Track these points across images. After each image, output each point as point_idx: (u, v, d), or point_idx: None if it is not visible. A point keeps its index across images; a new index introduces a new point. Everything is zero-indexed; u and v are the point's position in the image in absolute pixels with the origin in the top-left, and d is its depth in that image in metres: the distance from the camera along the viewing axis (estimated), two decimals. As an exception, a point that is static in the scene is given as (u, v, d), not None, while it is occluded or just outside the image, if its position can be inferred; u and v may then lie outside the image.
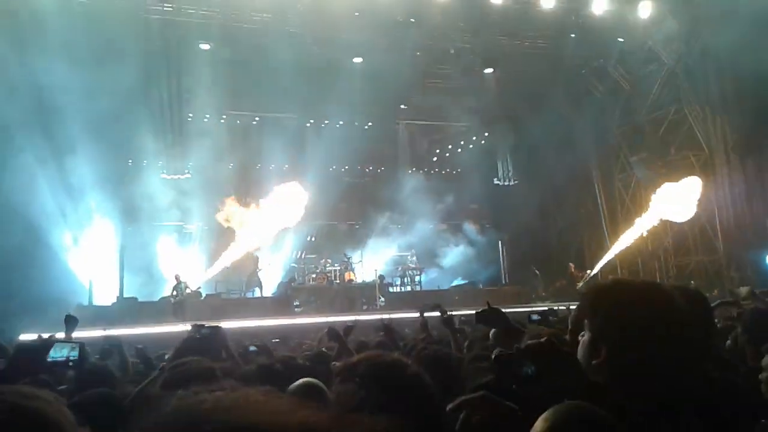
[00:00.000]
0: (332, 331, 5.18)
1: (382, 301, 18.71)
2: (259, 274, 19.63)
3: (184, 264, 18.23)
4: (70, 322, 5.06)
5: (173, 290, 16.36)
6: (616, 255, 20.31)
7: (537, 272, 21.89)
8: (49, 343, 2.94)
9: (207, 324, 4.73)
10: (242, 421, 0.71)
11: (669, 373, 1.57)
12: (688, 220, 18.86)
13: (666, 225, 19.45)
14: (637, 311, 1.63)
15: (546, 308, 9.26)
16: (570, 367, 1.65)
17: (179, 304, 16.10)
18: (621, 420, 1.42)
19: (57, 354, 2.97)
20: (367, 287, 19.47)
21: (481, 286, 21.17)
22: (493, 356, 1.73)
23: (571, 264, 20.56)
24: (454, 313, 5.59)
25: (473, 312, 3.84)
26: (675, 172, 19.25)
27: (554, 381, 1.54)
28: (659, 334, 1.60)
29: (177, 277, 16.54)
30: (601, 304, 1.72)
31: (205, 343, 4.31)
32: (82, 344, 3.08)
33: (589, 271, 20.35)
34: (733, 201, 18.52)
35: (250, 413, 0.73)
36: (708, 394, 1.71)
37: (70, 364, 3.01)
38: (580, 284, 19.18)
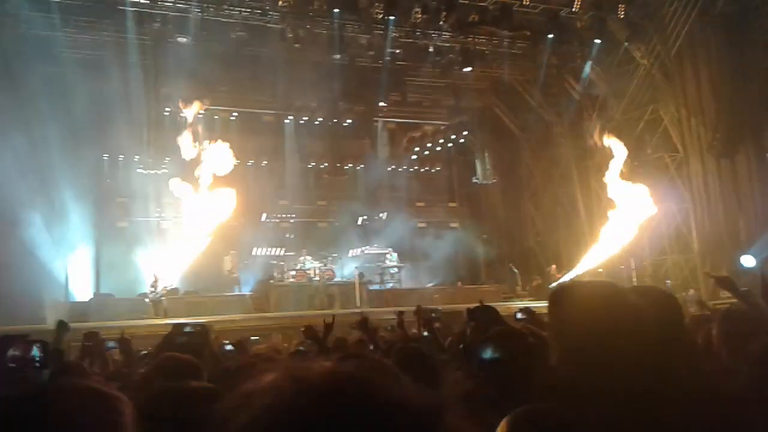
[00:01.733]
0: (310, 329, 5.18)
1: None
2: (238, 271, 19.54)
3: (162, 260, 18.06)
4: (61, 328, 4.93)
5: (151, 287, 16.22)
6: (593, 255, 20.53)
7: (515, 270, 22.06)
8: (5, 340, 2.82)
9: (190, 322, 4.72)
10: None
11: (623, 369, 1.56)
12: (664, 221, 19.13)
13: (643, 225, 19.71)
14: (587, 310, 1.64)
15: (524, 306, 9.36)
16: (533, 353, 1.67)
17: (157, 300, 15.98)
18: (582, 415, 1.42)
19: (17, 353, 2.89)
20: (346, 285, 19.47)
21: (459, 284, 21.27)
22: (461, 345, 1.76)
23: (553, 266, 20.70)
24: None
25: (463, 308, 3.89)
26: (650, 173, 19.51)
27: (516, 366, 1.56)
28: (610, 331, 1.58)
29: (155, 274, 16.41)
30: (556, 304, 1.75)
31: (187, 343, 4.30)
32: (44, 342, 2.99)
33: (563, 272, 20.49)
34: (708, 202, 18.82)
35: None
36: (674, 389, 1.73)
37: (37, 364, 2.92)
38: (553, 284, 19.34)
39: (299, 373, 0.76)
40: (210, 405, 1.76)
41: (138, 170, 20.25)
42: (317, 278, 19.51)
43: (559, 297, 1.77)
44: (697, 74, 18.72)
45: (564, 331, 1.68)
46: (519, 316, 6.05)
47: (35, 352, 2.95)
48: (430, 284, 21.12)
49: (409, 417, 0.73)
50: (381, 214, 23.29)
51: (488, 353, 1.71)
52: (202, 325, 4.82)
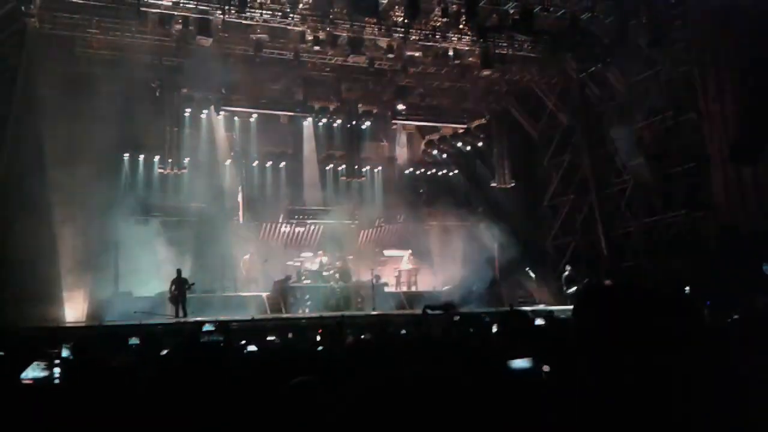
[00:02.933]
0: (326, 330, 5.23)
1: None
2: (255, 271, 19.65)
3: (180, 259, 18.19)
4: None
5: (172, 284, 16.31)
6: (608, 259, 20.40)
7: (532, 275, 21.97)
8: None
9: (209, 320, 4.79)
10: None
11: None
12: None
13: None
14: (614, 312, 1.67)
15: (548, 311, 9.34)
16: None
17: (177, 298, 16.07)
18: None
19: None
20: (362, 287, 19.50)
21: (474, 288, 21.19)
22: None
23: (569, 268, 20.53)
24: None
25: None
26: (671, 179, 19.35)
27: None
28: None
29: (178, 272, 16.49)
30: (585, 306, 1.76)
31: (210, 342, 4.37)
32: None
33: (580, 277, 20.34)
34: (730, 209, 18.59)
35: None
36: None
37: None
38: (570, 290, 19.20)
39: None
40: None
41: (159, 170, 20.43)
42: (333, 280, 19.56)
43: (589, 300, 1.78)
44: (720, 81, 18.49)
45: (594, 331, 1.70)
46: (538, 321, 6.02)
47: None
48: (445, 287, 21.07)
49: None
50: (398, 217, 23.30)
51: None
52: (222, 323, 4.86)
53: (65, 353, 4.85)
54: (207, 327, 4.78)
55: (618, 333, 1.65)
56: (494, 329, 4.74)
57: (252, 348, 5.30)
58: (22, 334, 9.86)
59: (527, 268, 22.26)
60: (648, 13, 18.76)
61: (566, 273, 19.86)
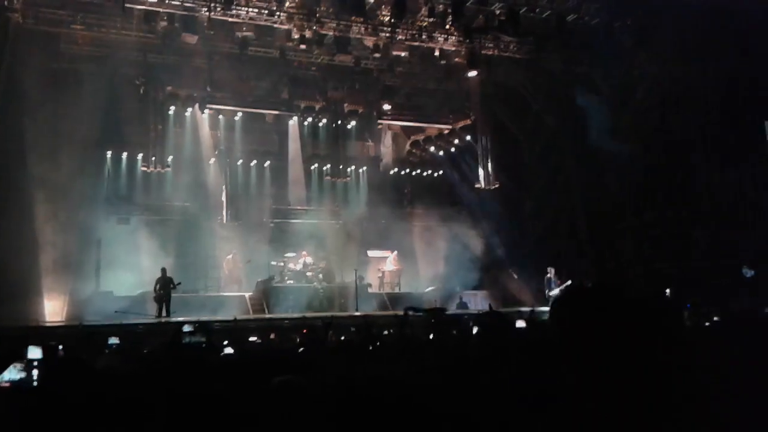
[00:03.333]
0: (311, 330, 5.21)
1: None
2: (238, 271, 19.55)
3: (162, 258, 18.03)
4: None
5: (157, 284, 16.14)
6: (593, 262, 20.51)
7: (515, 276, 22.04)
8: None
9: (191, 321, 4.74)
10: None
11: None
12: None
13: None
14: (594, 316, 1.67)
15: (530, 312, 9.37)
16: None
17: (161, 298, 15.91)
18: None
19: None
20: (345, 287, 19.45)
21: (458, 288, 21.22)
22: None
23: (551, 270, 20.56)
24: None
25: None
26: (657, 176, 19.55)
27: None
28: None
29: (163, 270, 16.33)
30: (564, 308, 1.75)
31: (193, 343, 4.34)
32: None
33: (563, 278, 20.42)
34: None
35: None
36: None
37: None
38: (553, 292, 19.26)
39: None
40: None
41: (142, 168, 20.26)
42: (316, 280, 19.51)
43: (567, 302, 1.77)
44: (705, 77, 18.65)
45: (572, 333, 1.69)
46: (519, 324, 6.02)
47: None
48: (429, 288, 21.08)
49: None
50: (381, 217, 23.27)
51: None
52: (204, 323, 4.83)
53: (33, 354, 4.77)
54: (187, 327, 4.73)
55: (593, 335, 1.65)
56: (474, 330, 4.73)
57: (229, 351, 5.24)
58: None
59: (510, 269, 22.33)
60: (633, 14, 18.91)
61: (548, 275, 19.92)
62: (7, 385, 3.54)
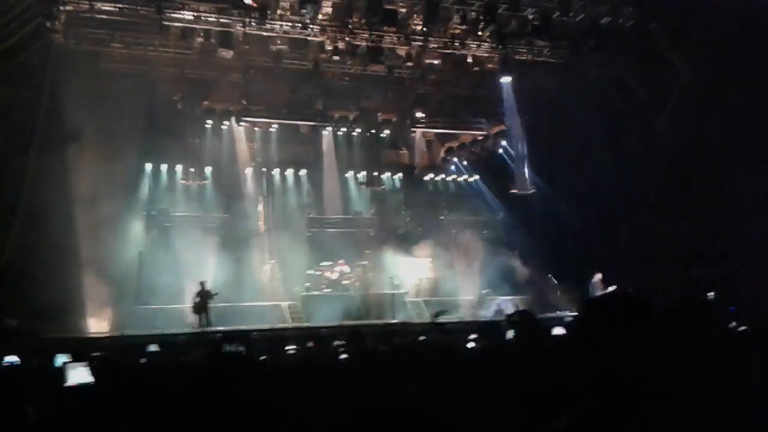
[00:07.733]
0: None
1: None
2: (277, 280, 19.74)
3: (201, 269, 18.31)
4: None
5: (196, 296, 16.41)
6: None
7: (555, 281, 21.81)
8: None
9: (230, 330, 4.84)
10: None
11: None
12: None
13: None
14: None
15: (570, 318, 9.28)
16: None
17: (201, 308, 16.17)
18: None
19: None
20: (382, 296, 19.47)
21: (488, 292, 21.05)
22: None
23: (598, 275, 20.24)
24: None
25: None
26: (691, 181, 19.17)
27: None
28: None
29: (202, 283, 16.61)
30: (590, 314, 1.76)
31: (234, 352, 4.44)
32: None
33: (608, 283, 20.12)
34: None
35: None
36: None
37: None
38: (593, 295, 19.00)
39: None
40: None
41: (181, 181, 20.66)
42: (353, 289, 19.58)
43: (592, 308, 1.79)
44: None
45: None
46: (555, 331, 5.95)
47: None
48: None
49: None
50: (417, 224, 23.27)
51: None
52: (243, 332, 4.92)
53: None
54: (225, 336, 4.82)
55: (617, 340, 1.66)
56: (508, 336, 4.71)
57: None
58: (45, 344, 9.99)
59: (550, 275, 22.09)
60: (668, 16, 18.62)
61: (594, 279, 19.63)
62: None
